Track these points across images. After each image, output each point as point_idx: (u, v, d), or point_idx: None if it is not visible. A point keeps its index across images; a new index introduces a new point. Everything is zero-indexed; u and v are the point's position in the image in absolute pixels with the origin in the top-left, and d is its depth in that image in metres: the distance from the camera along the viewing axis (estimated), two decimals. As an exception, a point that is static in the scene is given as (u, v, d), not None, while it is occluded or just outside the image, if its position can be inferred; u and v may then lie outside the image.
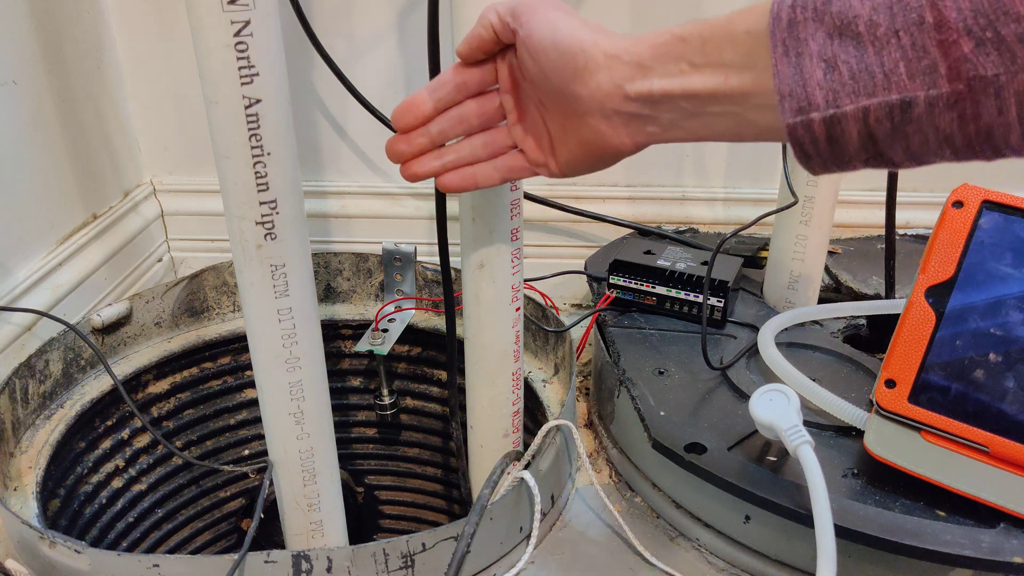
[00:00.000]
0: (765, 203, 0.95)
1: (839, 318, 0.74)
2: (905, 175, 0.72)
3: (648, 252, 0.78)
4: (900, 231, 0.94)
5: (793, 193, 0.71)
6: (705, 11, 0.88)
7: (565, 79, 0.41)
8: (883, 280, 0.75)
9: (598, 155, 0.44)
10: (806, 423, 0.52)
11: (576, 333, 0.78)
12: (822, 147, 0.35)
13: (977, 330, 0.52)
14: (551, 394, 0.75)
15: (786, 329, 0.70)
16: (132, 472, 0.76)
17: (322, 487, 0.56)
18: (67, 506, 0.68)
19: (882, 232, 0.73)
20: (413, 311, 0.86)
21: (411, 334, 0.86)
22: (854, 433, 0.59)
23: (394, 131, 0.48)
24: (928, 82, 0.32)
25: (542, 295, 0.82)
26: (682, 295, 0.75)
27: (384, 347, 0.80)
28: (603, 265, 0.80)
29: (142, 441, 0.77)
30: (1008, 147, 0.32)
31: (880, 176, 0.71)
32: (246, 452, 0.88)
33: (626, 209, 0.97)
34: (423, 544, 0.53)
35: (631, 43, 0.40)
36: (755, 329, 0.71)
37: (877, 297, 0.78)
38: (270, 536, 0.64)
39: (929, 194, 0.96)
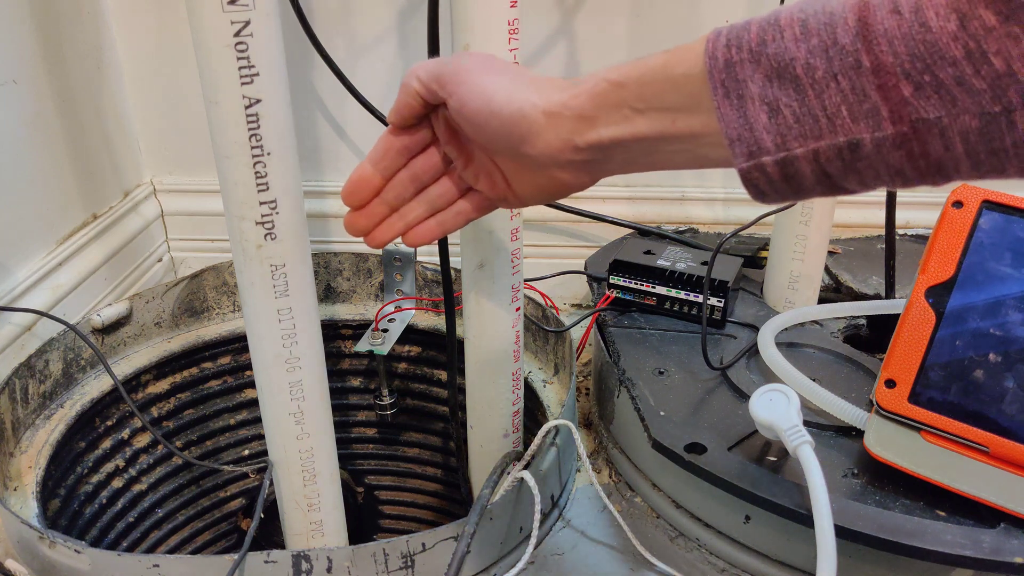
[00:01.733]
0: (765, 203, 0.95)
1: (839, 318, 0.74)
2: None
3: (648, 252, 0.78)
4: (900, 231, 0.94)
5: (793, 193, 0.71)
6: (704, 11, 0.88)
7: (511, 144, 0.41)
8: (883, 280, 0.75)
9: (558, 193, 0.44)
10: (806, 423, 0.52)
11: (576, 333, 0.78)
12: (779, 185, 0.35)
13: (977, 330, 0.52)
14: (551, 394, 0.75)
15: (786, 329, 0.70)
16: (132, 472, 0.76)
17: (322, 487, 0.56)
18: (67, 506, 0.68)
19: (882, 232, 0.73)
20: (413, 311, 0.86)
21: (411, 334, 0.86)
22: (854, 433, 0.59)
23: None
24: (872, 125, 0.31)
25: (542, 295, 0.82)
26: (682, 295, 0.75)
27: (384, 347, 0.80)
28: (603, 265, 0.80)
29: (142, 441, 0.77)
30: (960, 176, 0.32)
31: (880, 176, 0.71)
32: (246, 452, 0.88)
33: (626, 209, 0.97)
34: (423, 544, 0.53)
35: (569, 96, 0.40)
36: (755, 329, 0.71)
37: (877, 297, 0.78)
38: (270, 536, 0.64)
39: (929, 194, 0.96)
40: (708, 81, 0.34)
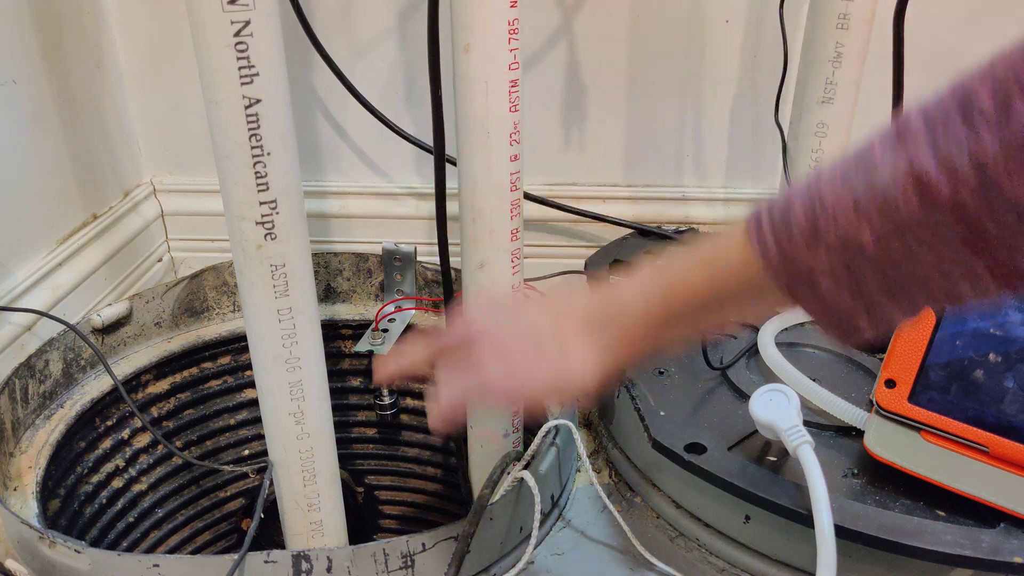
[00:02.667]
0: (765, 203, 0.95)
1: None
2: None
3: (648, 252, 0.78)
4: (900, 231, 0.94)
5: (793, 193, 0.71)
6: (704, 11, 0.88)
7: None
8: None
9: None
10: (806, 423, 0.52)
11: (576, 333, 0.78)
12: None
13: (977, 330, 0.52)
14: (551, 394, 0.75)
15: (786, 329, 0.70)
16: (132, 472, 0.76)
17: (322, 487, 0.56)
18: (67, 506, 0.68)
19: (882, 232, 0.73)
20: (413, 311, 0.86)
21: (411, 334, 0.86)
22: (854, 433, 0.59)
23: (392, 129, 0.47)
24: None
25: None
26: (682, 295, 0.74)
27: (384, 347, 0.80)
28: (603, 265, 0.80)
29: (142, 441, 0.77)
30: None
31: (880, 176, 0.71)
32: (246, 452, 0.88)
33: (626, 209, 0.97)
34: (423, 544, 0.53)
35: (621, 352, 0.40)
36: (755, 329, 0.71)
37: (877, 297, 0.78)
38: (270, 536, 0.64)
39: (929, 194, 0.96)
40: (775, 285, 0.34)
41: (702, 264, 0.38)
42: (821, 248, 0.33)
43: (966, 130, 0.29)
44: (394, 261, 0.86)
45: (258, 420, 0.85)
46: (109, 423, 0.74)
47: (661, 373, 0.67)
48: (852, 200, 0.31)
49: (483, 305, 0.43)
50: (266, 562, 0.51)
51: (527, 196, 0.92)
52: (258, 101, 0.43)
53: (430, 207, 0.98)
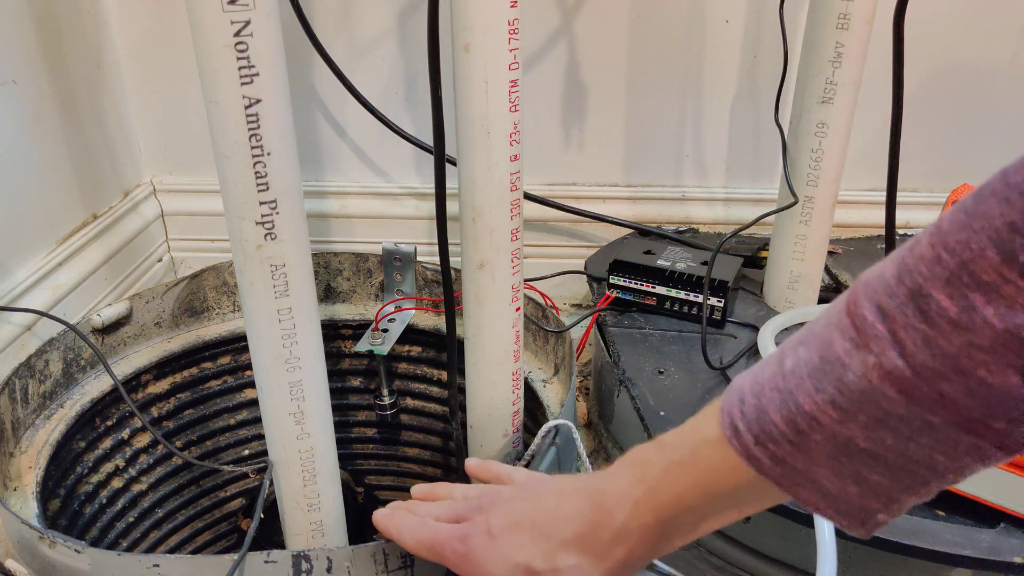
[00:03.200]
0: (765, 203, 0.95)
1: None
2: (905, 175, 0.72)
3: (648, 252, 0.78)
4: (900, 231, 0.94)
5: (793, 193, 0.71)
6: (704, 10, 0.88)
7: None
8: (883, 280, 0.75)
9: None
10: (806, 423, 0.52)
11: (576, 333, 0.78)
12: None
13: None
14: (551, 394, 0.75)
15: (786, 329, 0.70)
16: (132, 472, 0.76)
17: (322, 487, 0.56)
18: (67, 506, 0.68)
19: (882, 232, 0.73)
20: (413, 311, 0.86)
21: (411, 334, 0.86)
22: (854, 433, 0.59)
23: (392, 129, 0.47)
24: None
25: (542, 295, 0.82)
26: (682, 295, 0.75)
27: (384, 347, 0.80)
28: (603, 265, 0.80)
29: (142, 441, 0.77)
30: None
31: (880, 176, 0.71)
32: (246, 452, 0.88)
33: (626, 209, 0.97)
34: (423, 544, 0.53)
35: (620, 559, 0.39)
36: (755, 329, 0.71)
37: (877, 297, 0.78)
38: (270, 536, 0.64)
39: (929, 194, 0.96)
40: (769, 482, 0.33)
41: (680, 466, 0.36)
42: (811, 448, 0.31)
43: (931, 330, 0.28)
44: (394, 261, 0.86)
45: (258, 420, 0.85)
46: (109, 423, 0.74)
47: (661, 373, 0.67)
48: (829, 400, 0.30)
49: (465, 546, 0.44)
50: (266, 562, 0.51)
51: (527, 196, 0.92)
52: (258, 101, 0.43)
53: (430, 207, 0.98)
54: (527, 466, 0.59)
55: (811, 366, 0.31)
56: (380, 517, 0.51)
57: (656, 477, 0.37)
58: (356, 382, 0.91)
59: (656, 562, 0.58)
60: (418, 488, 0.54)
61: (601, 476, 0.41)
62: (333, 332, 0.88)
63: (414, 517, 0.49)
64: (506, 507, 0.45)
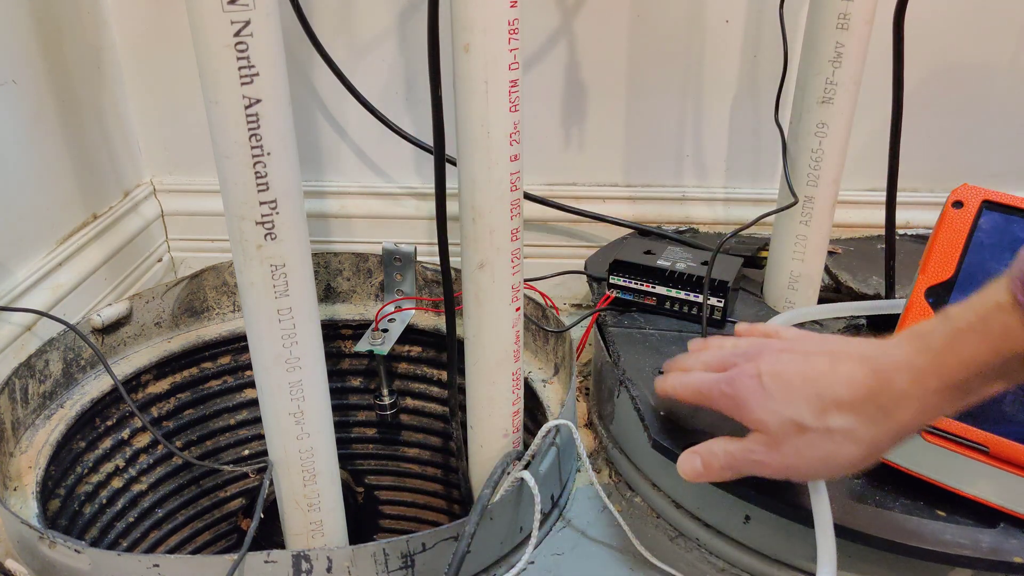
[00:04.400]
0: (765, 203, 0.95)
1: (839, 318, 0.74)
2: (905, 175, 0.72)
3: (648, 252, 0.78)
4: (900, 231, 0.94)
5: (793, 193, 0.71)
6: (704, 11, 0.88)
7: None
8: (883, 280, 0.75)
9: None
10: (806, 423, 0.52)
11: (576, 333, 0.78)
12: None
13: (977, 330, 0.52)
14: (551, 394, 0.75)
15: (786, 329, 0.70)
16: (132, 472, 0.76)
17: (322, 487, 0.56)
18: (67, 506, 0.68)
19: (882, 232, 0.73)
20: (413, 311, 0.86)
21: (411, 334, 0.86)
22: (854, 433, 0.59)
23: (392, 129, 0.48)
24: None
25: (542, 295, 0.82)
26: (682, 295, 0.75)
27: (384, 347, 0.80)
28: (603, 265, 0.80)
29: (142, 441, 0.77)
30: None
31: (880, 176, 0.71)
32: (246, 452, 0.88)
33: (626, 209, 0.97)
34: (423, 544, 0.53)
35: (908, 421, 0.41)
36: (755, 329, 0.71)
37: (877, 297, 0.78)
38: (270, 536, 0.64)
39: (929, 194, 0.96)
40: None
41: (970, 332, 0.38)
42: None
43: None
44: (394, 261, 0.86)
45: (258, 420, 0.85)
46: (109, 423, 0.74)
47: (661, 373, 0.67)
48: None
49: (746, 382, 0.46)
50: (266, 562, 0.51)
51: (527, 196, 0.92)
52: (258, 101, 0.43)
53: (430, 207, 0.98)
54: (527, 467, 0.59)
55: None
56: (658, 382, 0.55)
57: (941, 345, 0.39)
58: (356, 382, 0.92)
59: (656, 563, 0.58)
60: (693, 341, 0.57)
61: (876, 344, 0.43)
62: (333, 332, 0.88)
63: (684, 374, 0.52)
64: (774, 358, 0.46)
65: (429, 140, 0.80)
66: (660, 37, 0.89)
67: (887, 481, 0.54)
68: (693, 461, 0.50)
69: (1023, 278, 0.36)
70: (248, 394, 0.86)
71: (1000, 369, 0.38)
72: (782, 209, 0.73)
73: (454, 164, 0.54)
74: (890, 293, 0.75)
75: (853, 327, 0.75)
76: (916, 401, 0.40)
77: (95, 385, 0.73)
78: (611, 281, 0.77)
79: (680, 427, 0.60)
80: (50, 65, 0.80)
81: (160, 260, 1.00)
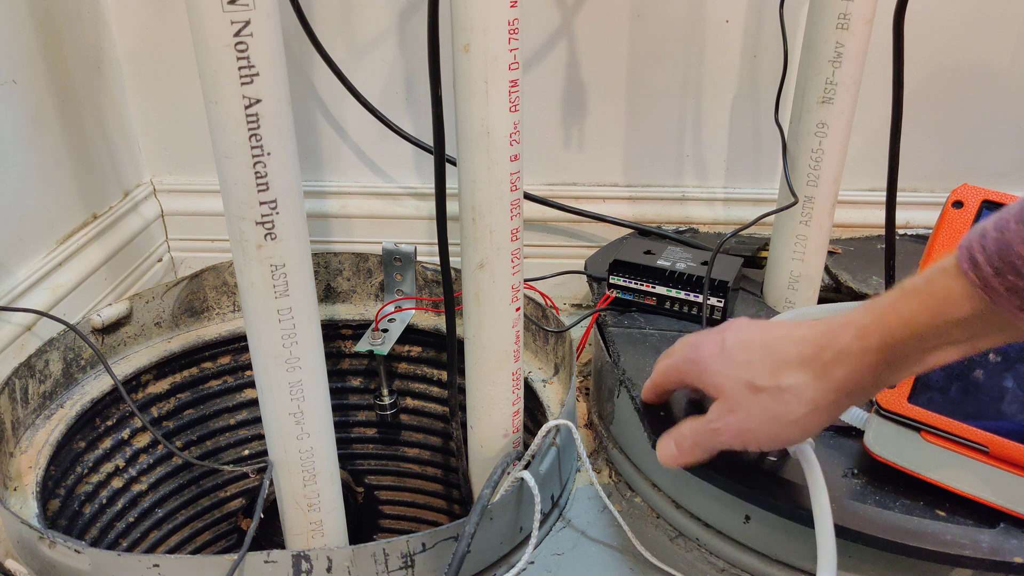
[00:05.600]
0: (765, 203, 0.95)
1: (839, 318, 0.74)
2: (905, 175, 0.72)
3: (648, 252, 0.78)
4: (900, 231, 0.94)
5: (793, 193, 0.71)
6: (705, 11, 0.88)
7: None
8: (883, 280, 0.75)
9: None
10: (806, 423, 0.52)
11: (576, 333, 0.78)
12: None
13: (977, 330, 0.52)
14: (551, 394, 0.75)
15: (786, 329, 0.70)
16: (132, 472, 0.76)
17: (322, 487, 0.56)
18: (67, 506, 0.68)
19: (882, 232, 0.73)
20: (413, 311, 0.86)
21: (411, 334, 0.86)
22: (854, 433, 0.59)
23: (392, 130, 0.48)
24: None
25: (542, 295, 0.82)
26: (682, 295, 0.75)
27: (384, 347, 0.80)
28: (603, 265, 0.80)
29: (142, 441, 0.77)
30: None
31: (880, 176, 0.71)
32: (246, 452, 0.88)
33: (626, 209, 0.97)
34: (423, 544, 0.53)
35: (839, 383, 0.42)
36: (755, 329, 0.71)
37: (877, 297, 0.78)
38: (270, 536, 0.64)
39: (929, 194, 0.96)
40: (1002, 313, 0.35)
41: (913, 293, 0.39)
42: None
43: None
44: (394, 261, 0.86)
45: (258, 420, 0.85)
46: (109, 423, 0.74)
47: (661, 373, 0.67)
48: None
49: (700, 349, 0.49)
50: (266, 562, 0.51)
51: (527, 196, 0.92)
52: (258, 101, 0.43)
53: (430, 207, 0.98)
54: (527, 467, 0.59)
55: None
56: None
57: (886, 304, 0.40)
58: (356, 382, 0.92)
59: (656, 563, 0.58)
60: None
61: (842, 308, 0.45)
62: (333, 332, 0.88)
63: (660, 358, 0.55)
64: (741, 327, 0.48)
65: (429, 140, 0.80)
66: (660, 37, 0.89)
67: (887, 481, 0.54)
68: (668, 446, 0.50)
69: (969, 246, 0.37)
70: (248, 394, 0.86)
71: (938, 332, 0.38)
72: (782, 209, 0.73)
73: (454, 164, 0.54)
74: (890, 293, 0.75)
75: (853, 327, 0.75)
76: (854, 359, 0.41)
77: (95, 385, 0.73)
78: (611, 281, 0.77)
79: (680, 427, 0.60)
80: (50, 65, 0.80)
81: (160, 260, 1.00)
